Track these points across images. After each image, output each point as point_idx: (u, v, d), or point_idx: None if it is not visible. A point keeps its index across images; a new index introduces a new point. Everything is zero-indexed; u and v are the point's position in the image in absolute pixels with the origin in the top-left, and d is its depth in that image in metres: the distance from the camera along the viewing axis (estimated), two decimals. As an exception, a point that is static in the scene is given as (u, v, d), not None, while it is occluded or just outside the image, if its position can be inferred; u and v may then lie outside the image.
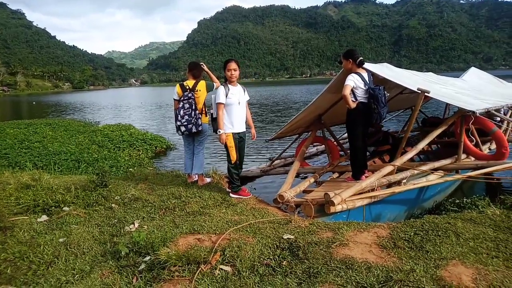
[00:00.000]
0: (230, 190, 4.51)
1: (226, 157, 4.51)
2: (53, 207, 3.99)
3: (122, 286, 2.49)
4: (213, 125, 4.47)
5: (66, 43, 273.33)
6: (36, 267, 2.78)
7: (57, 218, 3.79)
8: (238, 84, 4.46)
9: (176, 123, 4.76)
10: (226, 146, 4.33)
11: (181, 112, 4.70)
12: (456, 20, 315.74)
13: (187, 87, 4.81)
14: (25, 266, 2.80)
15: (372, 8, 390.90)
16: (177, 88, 4.90)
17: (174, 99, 4.93)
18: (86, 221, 3.72)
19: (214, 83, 5.02)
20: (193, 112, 4.69)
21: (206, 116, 4.95)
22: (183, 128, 4.71)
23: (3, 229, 3.40)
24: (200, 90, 4.83)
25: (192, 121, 4.68)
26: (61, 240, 3.22)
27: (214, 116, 4.33)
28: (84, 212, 3.97)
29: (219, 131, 4.24)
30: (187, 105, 4.70)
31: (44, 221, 3.73)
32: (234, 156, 4.34)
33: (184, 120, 4.68)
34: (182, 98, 4.74)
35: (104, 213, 3.96)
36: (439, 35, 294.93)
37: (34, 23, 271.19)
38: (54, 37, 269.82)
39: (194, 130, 4.70)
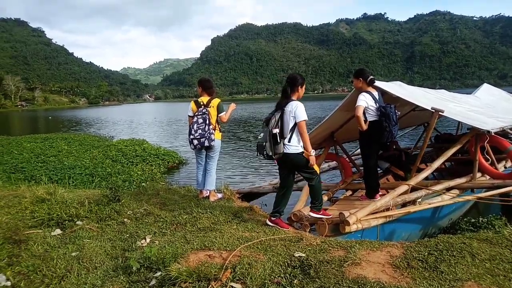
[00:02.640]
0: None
1: (305, 176, 4.04)
2: (66, 221, 4.04)
3: (133, 301, 2.49)
4: (275, 147, 3.80)
5: (83, 60, 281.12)
6: (49, 281, 2.80)
7: (71, 232, 3.83)
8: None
9: (189, 137, 4.83)
10: (305, 162, 3.88)
11: (195, 126, 4.78)
12: (470, 37, 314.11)
13: (202, 103, 4.91)
14: (39, 279, 2.82)
15: (384, 25, 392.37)
16: (192, 104, 4.99)
17: (188, 115, 5.01)
18: (98, 236, 3.75)
19: (224, 111, 5.04)
20: (206, 127, 4.76)
21: (220, 132, 5.01)
22: (195, 142, 4.77)
23: (18, 242, 3.44)
24: (213, 107, 4.90)
25: (205, 135, 4.74)
26: (73, 254, 3.25)
27: (275, 132, 3.80)
28: (97, 226, 4.01)
29: (313, 152, 3.88)
30: (200, 120, 4.78)
31: (57, 234, 3.77)
32: (317, 167, 4.04)
33: (197, 134, 4.75)
34: (197, 113, 4.83)
35: (117, 227, 3.99)
36: (453, 51, 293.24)
37: (53, 41, 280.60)
38: (72, 53, 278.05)
39: (206, 144, 4.75)
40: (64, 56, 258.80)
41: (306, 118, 3.83)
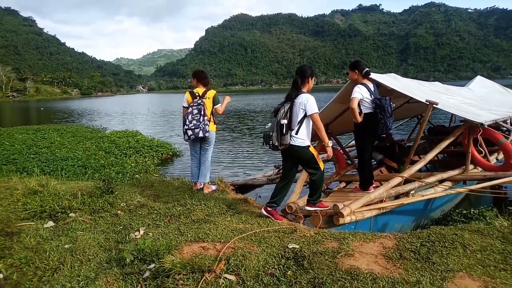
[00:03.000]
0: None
1: (308, 170, 4.06)
2: (59, 213, 4.01)
3: (127, 293, 2.49)
4: (281, 138, 3.81)
5: (75, 50, 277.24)
6: (42, 273, 2.79)
7: (63, 224, 3.81)
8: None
9: (183, 127, 4.80)
10: (311, 156, 3.93)
11: (189, 117, 4.75)
12: (464, 29, 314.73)
13: (197, 94, 4.88)
14: (31, 272, 2.81)
15: (379, 17, 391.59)
16: (187, 95, 4.95)
17: (183, 106, 4.98)
18: (91, 228, 3.74)
19: (220, 103, 5.03)
20: (201, 118, 4.73)
21: (215, 124, 4.99)
22: (190, 132, 4.74)
23: (10, 235, 3.42)
24: (208, 98, 4.88)
25: (200, 126, 4.71)
26: (66, 246, 3.24)
27: (283, 122, 3.79)
28: (90, 218, 3.99)
29: (330, 143, 3.92)
30: (195, 111, 4.75)
31: (50, 227, 3.75)
32: (322, 163, 4.03)
33: (192, 125, 4.72)
34: (192, 104, 4.79)
35: (110, 219, 3.98)
36: (447, 43, 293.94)
37: (45, 30, 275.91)
38: (64, 44, 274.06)
39: (200, 134, 4.72)
40: (56, 46, 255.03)
41: (318, 111, 3.82)
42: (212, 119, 4.96)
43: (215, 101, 4.94)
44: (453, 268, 2.45)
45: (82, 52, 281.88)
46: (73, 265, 2.90)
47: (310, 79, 4.00)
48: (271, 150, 4.10)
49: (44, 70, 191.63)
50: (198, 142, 5.03)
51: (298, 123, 3.83)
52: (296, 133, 3.84)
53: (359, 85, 4.54)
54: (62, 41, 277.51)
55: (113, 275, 2.71)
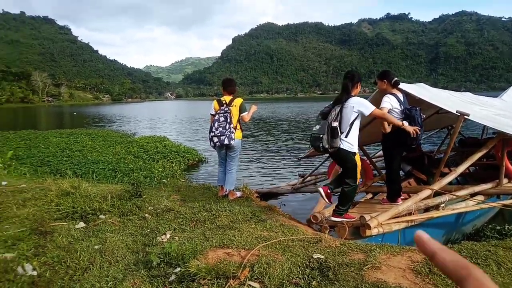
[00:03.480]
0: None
1: (345, 179, 4.04)
2: (90, 215, 4.15)
3: (153, 296, 2.53)
4: (332, 140, 3.84)
5: (107, 57, 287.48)
6: (73, 272, 2.88)
7: (94, 225, 3.93)
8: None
9: (209, 134, 4.88)
10: (354, 165, 3.98)
11: (216, 124, 4.83)
12: (498, 38, 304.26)
13: (224, 102, 4.95)
14: (63, 270, 2.91)
15: (408, 25, 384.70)
16: (214, 103, 5.04)
17: (210, 113, 5.06)
18: (120, 230, 3.83)
19: (246, 112, 5.07)
20: (227, 125, 4.79)
21: (241, 132, 5.03)
22: (215, 139, 4.81)
23: (43, 234, 3.56)
24: (235, 106, 4.93)
25: (226, 133, 4.77)
26: (96, 247, 3.34)
27: (334, 125, 3.84)
28: (119, 220, 4.10)
29: (406, 123, 4.12)
30: (222, 118, 4.82)
31: (81, 227, 3.88)
32: (359, 176, 4.11)
33: (218, 132, 4.79)
34: (219, 112, 4.87)
35: (138, 222, 4.07)
36: (479, 53, 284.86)
37: (79, 38, 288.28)
38: (97, 51, 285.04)
39: (226, 142, 4.78)
40: (89, 53, 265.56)
41: (374, 107, 3.92)
42: (238, 127, 5.01)
43: (241, 109, 4.99)
44: (486, 286, 2.35)
45: (114, 59, 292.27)
46: (102, 266, 2.99)
47: (358, 84, 4.10)
48: (298, 161, 4.18)
49: (78, 76, 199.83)
50: (224, 150, 5.08)
51: (349, 125, 3.89)
52: (346, 136, 3.90)
53: (388, 95, 4.47)
54: (95, 48, 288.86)
55: (140, 277, 2.76)
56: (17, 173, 7.58)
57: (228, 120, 4.80)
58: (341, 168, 4.21)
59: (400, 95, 4.54)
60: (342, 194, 4.05)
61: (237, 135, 4.94)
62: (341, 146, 3.87)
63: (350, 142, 3.90)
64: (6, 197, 4.80)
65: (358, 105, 3.86)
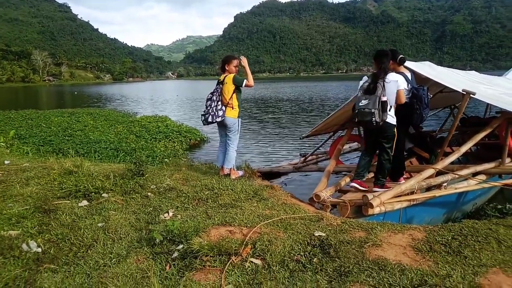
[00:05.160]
0: (358, 185, 4.40)
1: (385, 149, 4.32)
2: (93, 193, 4.17)
3: (156, 272, 2.57)
4: (383, 114, 4.03)
5: (108, 36, 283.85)
6: (77, 249, 2.93)
7: (97, 203, 3.96)
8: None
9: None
10: (394, 137, 4.27)
11: (207, 103, 4.90)
12: (506, 16, 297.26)
13: (219, 81, 4.93)
14: (67, 247, 2.95)
15: (414, 3, 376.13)
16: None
17: None
18: (123, 208, 3.86)
19: (244, 79, 4.90)
20: (213, 103, 4.80)
21: (234, 109, 4.89)
22: (202, 117, 4.91)
23: (47, 212, 3.59)
24: (226, 83, 4.84)
25: (210, 111, 4.78)
26: (100, 225, 3.37)
27: (384, 99, 4.04)
28: (121, 199, 4.12)
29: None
30: (210, 96, 4.89)
31: (84, 206, 3.91)
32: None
33: (205, 110, 4.87)
34: (212, 91, 4.88)
35: (141, 201, 4.10)
36: (486, 31, 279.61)
37: (79, 16, 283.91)
38: (97, 30, 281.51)
39: (210, 120, 4.78)
40: (89, 32, 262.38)
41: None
42: (231, 104, 4.85)
43: (236, 82, 4.82)
44: (486, 263, 2.37)
45: (114, 38, 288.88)
46: (105, 243, 3.03)
47: (392, 61, 4.35)
48: (300, 140, 4.31)
49: (78, 55, 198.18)
50: (223, 129, 5.04)
51: (393, 99, 4.16)
52: (389, 110, 4.10)
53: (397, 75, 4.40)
54: (95, 27, 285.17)
55: (143, 254, 2.80)
56: (20, 152, 7.61)
57: (215, 98, 4.79)
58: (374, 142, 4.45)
59: (408, 74, 4.46)
60: (381, 165, 4.33)
61: (229, 113, 4.84)
62: (387, 120, 4.06)
63: (392, 115, 4.15)
64: (9, 175, 4.83)
65: (398, 80, 4.13)
